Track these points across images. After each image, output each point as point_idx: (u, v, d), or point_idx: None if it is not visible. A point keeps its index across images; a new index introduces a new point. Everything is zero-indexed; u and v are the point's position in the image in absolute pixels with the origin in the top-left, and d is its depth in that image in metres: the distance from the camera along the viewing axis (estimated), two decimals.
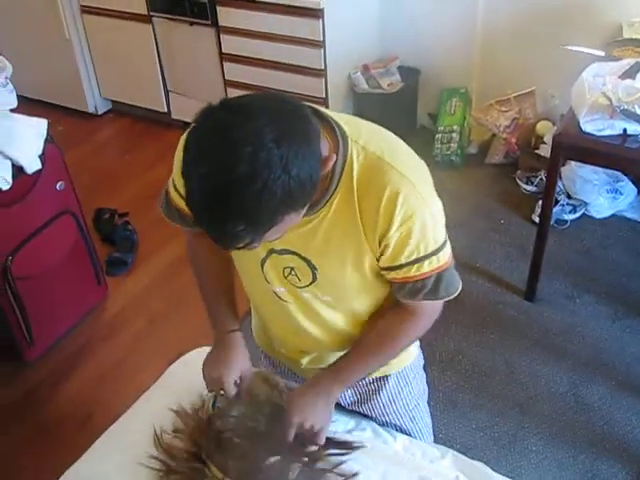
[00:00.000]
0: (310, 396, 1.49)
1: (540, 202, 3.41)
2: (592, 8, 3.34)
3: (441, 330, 2.88)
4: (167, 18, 4.00)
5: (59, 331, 3.02)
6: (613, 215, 3.51)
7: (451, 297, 1.37)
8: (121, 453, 1.64)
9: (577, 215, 3.49)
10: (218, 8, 3.77)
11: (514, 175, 3.76)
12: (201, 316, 3.00)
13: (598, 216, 3.50)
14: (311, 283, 1.38)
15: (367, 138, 1.26)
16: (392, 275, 1.33)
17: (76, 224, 2.96)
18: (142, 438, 1.64)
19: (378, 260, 1.31)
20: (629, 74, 2.70)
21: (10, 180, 2.57)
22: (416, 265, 1.29)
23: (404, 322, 1.44)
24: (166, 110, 4.42)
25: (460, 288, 1.38)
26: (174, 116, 4.40)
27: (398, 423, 1.72)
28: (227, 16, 3.77)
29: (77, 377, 2.88)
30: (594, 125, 2.56)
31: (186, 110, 4.28)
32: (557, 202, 3.44)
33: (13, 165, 2.58)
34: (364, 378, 1.61)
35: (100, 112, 4.72)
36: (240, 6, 3.69)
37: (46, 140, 2.71)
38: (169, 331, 3.05)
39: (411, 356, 1.66)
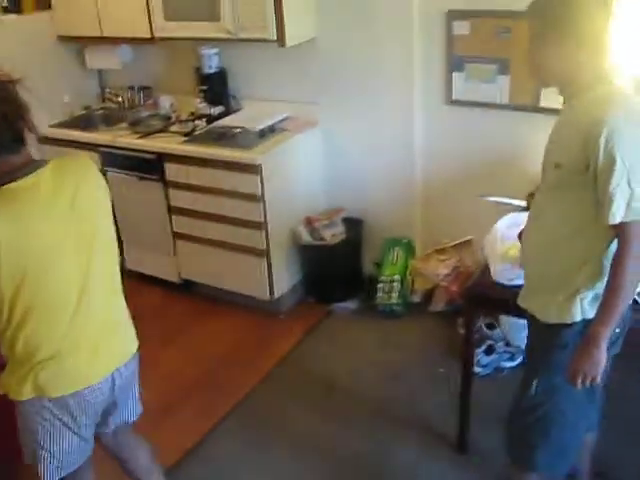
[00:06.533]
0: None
1: (478, 350, 3.40)
2: (517, 162, 3.48)
3: None
4: (119, 172, 4.16)
5: None
6: None
7: None
8: None
9: (515, 363, 3.45)
10: (165, 164, 3.94)
11: (456, 323, 3.76)
12: None
13: None
14: None
15: None
16: None
17: None
18: None
19: None
20: None
21: None
22: None
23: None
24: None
25: None
26: (129, 266, 4.45)
27: None
28: (173, 172, 3.94)
29: None
30: (504, 275, 2.59)
31: (140, 261, 4.37)
32: (494, 350, 3.43)
33: None
34: None
35: None
36: (184, 162, 3.85)
37: None
38: None
39: None
